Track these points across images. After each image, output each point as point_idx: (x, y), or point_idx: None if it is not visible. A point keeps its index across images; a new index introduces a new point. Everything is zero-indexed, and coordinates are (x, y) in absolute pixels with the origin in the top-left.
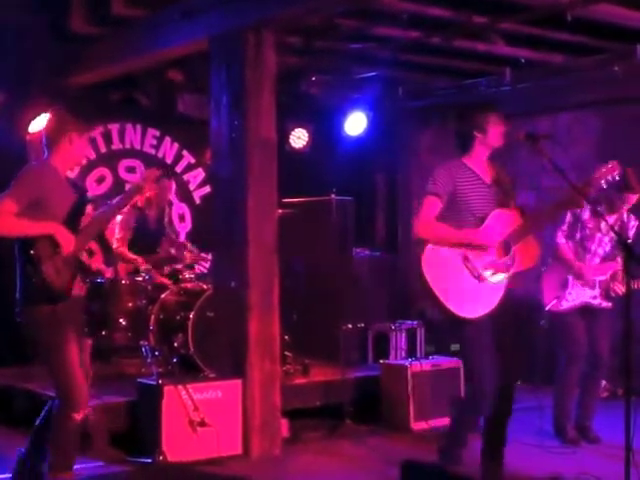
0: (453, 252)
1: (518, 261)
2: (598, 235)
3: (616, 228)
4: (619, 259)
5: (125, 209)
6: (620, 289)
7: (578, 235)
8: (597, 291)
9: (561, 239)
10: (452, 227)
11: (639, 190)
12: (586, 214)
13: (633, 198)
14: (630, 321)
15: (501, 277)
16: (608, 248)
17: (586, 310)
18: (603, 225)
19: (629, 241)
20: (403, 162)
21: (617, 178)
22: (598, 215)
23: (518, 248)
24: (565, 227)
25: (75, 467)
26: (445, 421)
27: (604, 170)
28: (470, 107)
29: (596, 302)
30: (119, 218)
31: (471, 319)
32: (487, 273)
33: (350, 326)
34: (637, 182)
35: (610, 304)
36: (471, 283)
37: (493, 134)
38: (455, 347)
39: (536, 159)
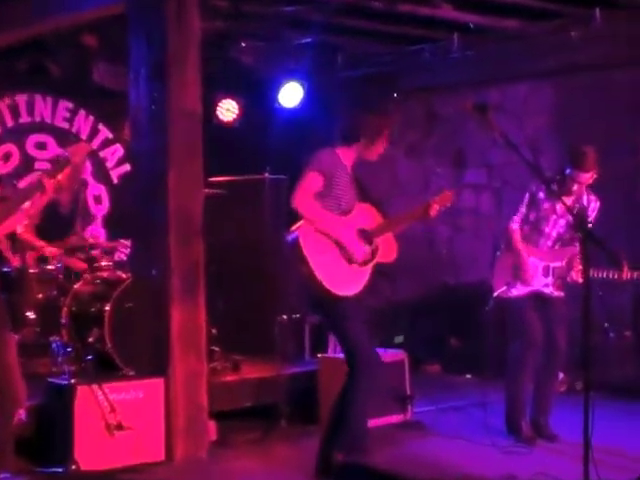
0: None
1: (381, 252)
2: (553, 217)
3: (574, 210)
4: (577, 244)
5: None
6: (577, 276)
7: (533, 216)
8: (550, 279)
9: (515, 224)
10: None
11: (592, 168)
12: (542, 195)
13: (586, 177)
14: (588, 310)
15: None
16: (562, 231)
17: (537, 298)
18: (559, 207)
19: (588, 224)
20: (343, 136)
21: (449, 204)
22: (553, 195)
23: (381, 242)
24: (523, 208)
25: None
26: (391, 419)
27: (438, 199)
28: (377, 111)
29: (548, 290)
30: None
31: (345, 296)
32: (355, 257)
33: (285, 317)
34: (593, 160)
35: (562, 294)
36: (343, 263)
37: (375, 150)
38: (399, 339)
39: (486, 133)
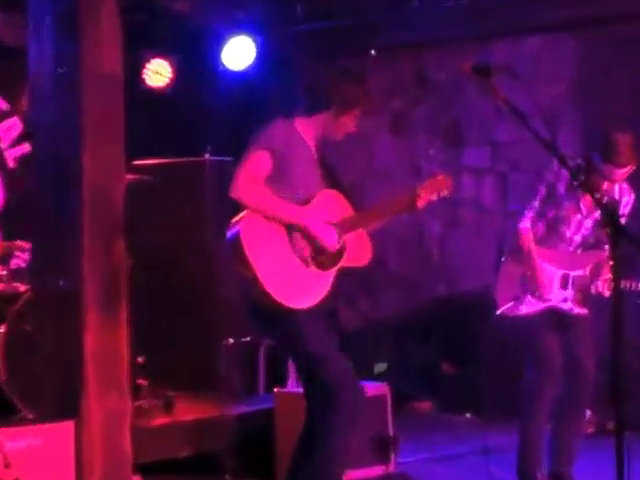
0: (275, 223)
1: (350, 254)
2: (577, 217)
3: (602, 202)
4: (604, 246)
5: None
6: (604, 288)
7: (550, 215)
8: (570, 292)
9: (525, 223)
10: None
11: (629, 162)
12: (562, 187)
13: (620, 173)
14: (620, 329)
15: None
16: (589, 233)
17: (554, 316)
18: (584, 205)
19: (621, 219)
20: (305, 106)
21: (446, 194)
22: (577, 189)
23: (349, 241)
24: (537, 203)
25: None
26: (369, 472)
27: (428, 185)
28: (351, 74)
29: (567, 306)
30: None
31: (297, 310)
32: (327, 243)
33: (232, 340)
34: (630, 152)
35: (585, 310)
36: (297, 265)
37: (341, 126)
38: (380, 368)
39: (490, 102)
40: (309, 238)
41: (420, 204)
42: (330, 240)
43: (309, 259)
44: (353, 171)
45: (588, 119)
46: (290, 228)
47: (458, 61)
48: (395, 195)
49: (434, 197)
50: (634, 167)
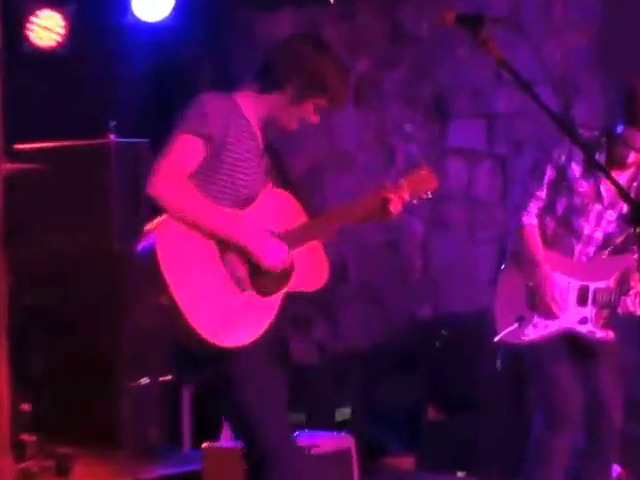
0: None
1: (297, 276)
2: (596, 208)
3: (631, 191)
4: (635, 250)
5: None
6: (636, 305)
7: (562, 204)
8: (590, 310)
9: (530, 218)
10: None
11: None
12: (576, 169)
13: None
14: None
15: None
16: (612, 229)
17: (570, 343)
18: (605, 189)
19: None
20: (242, 70)
21: (429, 195)
22: (595, 170)
23: (299, 257)
24: (544, 192)
25: None
26: None
27: (405, 183)
28: (316, 42)
29: (585, 329)
30: None
31: (230, 348)
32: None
33: (147, 380)
34: None
35: (611, 334)
36: (230, 290)
37: (298, 113)
38: (343, 414)
39: (485, 63)
40: (247, 255)
41: (394, 210)
42: (274, 258)
43: (246, 282)
44: (307, 155)
45: (612, 84)
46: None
47: (441, 10)
48: (360, 197)
49: (413, 200)
50: None
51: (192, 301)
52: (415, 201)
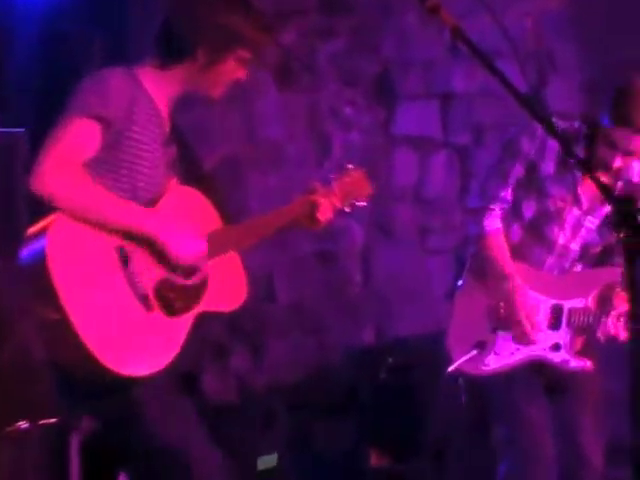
0: (103, 238)
1: (211, 293)
2: (573, 213)
3: (615, 190)
4: (618, 262)
5: None
6: (617, 328)
7: (531, 208)
8: (564, 333)
9: (493, 222)
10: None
11: None
12: (549, 166)
13: (639, 141)
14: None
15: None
16: (592, 238)
17: (540, 373)
18: (583, 191)
19: None
20: (140, 45)
21: (362, 204)
22: (573, 169)
23: (214, 270)
24: (509, 192)
25: None
26: None
27: (337, 186)
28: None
29: (559, 357)
30: None
31: (133, 378)
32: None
33: (25, 425)
34: None
35: (589, 363)
36: (133, 308)
37: (221, 74)
38: (268, 462)
39: (438, 33)
40: (162, 258)
41: (322, 217)
42: (186, 250)
43: (151, 299)
44: (222, 146)
45: (592, 59)
46: (122, 248)
47: None
48: (291, 199)
49: (344, 207)
50: None
51: (88, 318)
52: (347, 209)
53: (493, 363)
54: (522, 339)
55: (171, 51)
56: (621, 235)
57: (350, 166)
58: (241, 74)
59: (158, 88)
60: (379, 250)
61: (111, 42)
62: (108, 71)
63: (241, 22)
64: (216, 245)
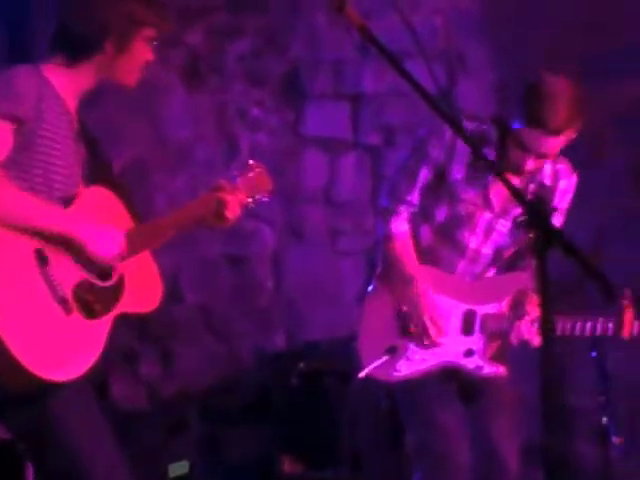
0: (21, 241)
1: (129, 293)
2: (485, 217)
3: (527, 193)
4: (530, 264)
5: None
6: (531, 333)
7: (442, 212)
8: (477, 340)
9: (400, 224)
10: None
11: (567, 126)
12: (458, 169)
13: (554, 143)
14: (554, 398)
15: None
16: (504, 241)
17: (453, 380)
18: (495, 194)
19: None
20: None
21: (264, 199)
22: (483, 172)
23: (130, 270)
24: (416, 195)
25: None
26: None
27: (241, 183)
28: None
29: (472, 364)
30: None
31: (53, 383)
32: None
33: None
34: (568, 106)
35: (502, 368)
36: (52, 311)
37: (132, 60)
38: (179, 469)
39: (347, 32)
40: (80, 258)
41: (230, 214)
42: (105, 246)
43: (70, 302)
44: (130, 147)
45: (504, 58)
46: (41, 251)
47: None
48: (194, 201)
49: (249, 201)
50: (574, 134)
51: (9, 323)
52: (252, 203)
53: (405, 369)
54: (426, 344)
55: (76, 51)
56: (531, 236)
57: (251, 162)
58: (149, 55)
59: (65, 85)
60: (290, 253)
61: (13, 41)
62: (13, 69)
63: (140, 5)
64: (133, 244)
